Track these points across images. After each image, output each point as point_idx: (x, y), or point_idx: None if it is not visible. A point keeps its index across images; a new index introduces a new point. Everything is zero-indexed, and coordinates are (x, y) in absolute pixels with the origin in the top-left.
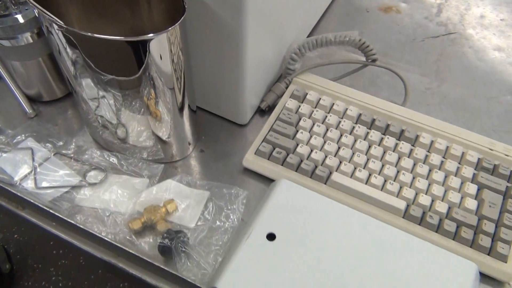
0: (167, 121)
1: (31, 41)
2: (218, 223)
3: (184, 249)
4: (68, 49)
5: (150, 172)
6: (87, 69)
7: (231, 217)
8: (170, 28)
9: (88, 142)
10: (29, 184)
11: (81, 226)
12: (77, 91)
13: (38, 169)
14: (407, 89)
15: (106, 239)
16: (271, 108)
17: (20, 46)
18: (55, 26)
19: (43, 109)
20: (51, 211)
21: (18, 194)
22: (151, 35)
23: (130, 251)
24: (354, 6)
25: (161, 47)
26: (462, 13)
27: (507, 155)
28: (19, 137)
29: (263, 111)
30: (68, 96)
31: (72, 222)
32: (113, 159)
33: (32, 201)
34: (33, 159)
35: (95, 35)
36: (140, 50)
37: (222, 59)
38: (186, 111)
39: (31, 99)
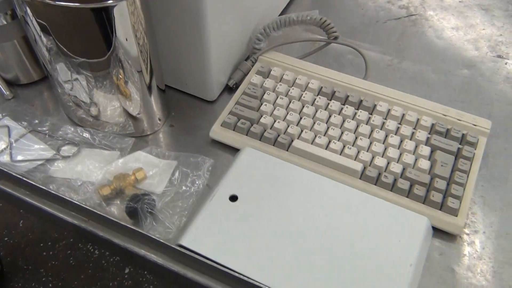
0: (136, 99)
1: (4, 22)
2: (184, 188)
3: (150, 210)
4: (41, 33)
5: (121, 145)
6: (59, 53)
7: (197, 182)
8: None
9: (63, 121)
10: (4, 158)
11: (54, 192)
12: (52, 75)
13: (14, 145)
14: (367, 64)
15: (77, 203)
16: (238, 85)
17: None
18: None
19: (20, 91)
20: (24, 179)
21: None
22: (110, 1)
23: (99, 213)
24: None
25: (123, 20)
26: None
27: (460, 120)
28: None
29: (231, 89)
30: (44, 79)
31: (45, 188)
32: (86, 134)
33: (6, 170)
34: (9, 136)
35: (59, 2)
36: (104, 21)
37: (185, 38)
38: (154, 90)
39: (8, 82)
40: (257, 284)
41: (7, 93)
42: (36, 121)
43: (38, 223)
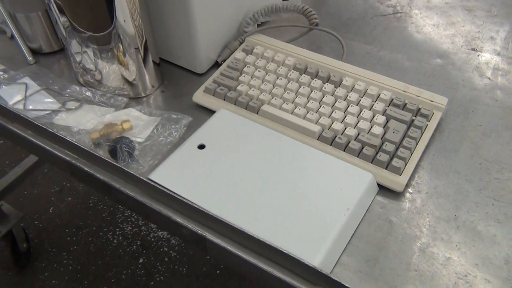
0: (133, 69)
1: None
2: (161, 138)
3: (127, 150)
4: (58, 11)
5: (116, 102)
6: (72, 28)
7: (173, 134)
8: None
9: (73, 82)
10: (19, 107)
11: (54, 132)
12: (66, 46)
13: (28, 98)
14: (344, 49)
15: (70, 140)
16: (224, 61)
17: None
18: None
19: (41, 59)
20: (30, 119)
21: (10, 109)
22: None
23: (87, 149)
24: None
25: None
26: None
27: (418, 96)
28: (17, 76)
29: (220, 64)
30: (62, 50)
31: (46, 128)
32: (88, 93)
33: (18, 113)
34: (26, 91)
35: None
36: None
37: (175, 18)
38: (149, 62)
39: (33, 51)
40: (214, 215)
41: (30, 58)
42: (50, 81)
43: (66, 211)
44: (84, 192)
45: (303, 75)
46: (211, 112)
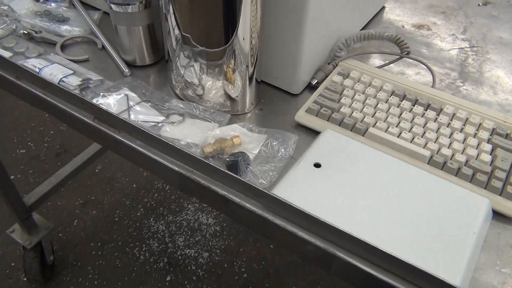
0: (238, 86)
1: (137, 10)
2: (273, 154)
3: (247, 165)
4: (175, 24)
5: (219, 118)
6: (184, 42)
7: (284, 152)
8: None
9: (172, 96)
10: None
11: (165, 140)
12: (172, 59)
13: (131, 109)
14: (434, 78)
15: (187, 152)
16: (319, 84)
17: (129, 12)
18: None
19: (135, 71)
20: (141, 128)
21: (118, 116)
22: None
23: (205, 161)
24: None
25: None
26: (484, 33)
27: None
28: (117, 86)
29: (313, 88)
30: (154, 64)
31: (160, 137)
32: (190, 107)
33: (127, 121)
34: (127, 101)
35: None
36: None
37: (285, 39)
38: (253, 80)
39: (126, 63)
40: (348, 232)
41: (126, 70)
42: (149, 94)
43: (91, 225)
44: (109, 205)
45: (404, 101)
46: (312, 131)
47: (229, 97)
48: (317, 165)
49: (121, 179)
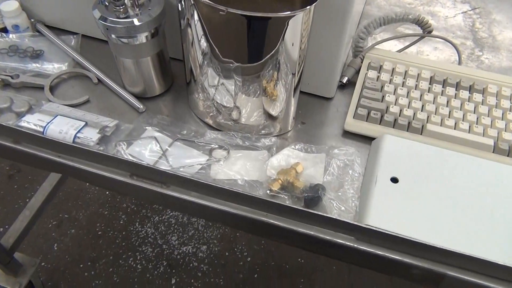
0: (281, 100)
1: (144, 41)
2: (343, 176)
3: (324, 195)
4: (202, 38)
5: (266, 144)
6: (214, 58)
7: (352, 172)
8: (307, 8)
9: (201, 126)
10: (164, 167)
11: (232, 189)
12: (197, 81)
13: (166, 153)
14: (460, 53)
15: (259, 197)
16: (349, 81)
17: (135, 45)
18: (198, 12)
19: (146, 103)
20: (195, 179)
21: (164, 170)
22: (288, 12)
23: (281, 202)
24: None
25: (295, 28)
26: None
27: None
28: (139, 128)
29: (343, 86)
30: (163, 94)
31: (217, 185)
32: (230, 137)
33: (174, 173)
34: (159, 146)
35: (233, 10)
36: (275, 29)
37: (327, 41)
38: (297, 90)
39: (135, 97)
40: (453, 251)
41: (141, 106)
42: (177, 129)
43: (74, 245)
44: (87, 220)
45: (447, 87)
46: (364, 138)
47: (269, 116)
48: (394, 180)
49: (90, 189)
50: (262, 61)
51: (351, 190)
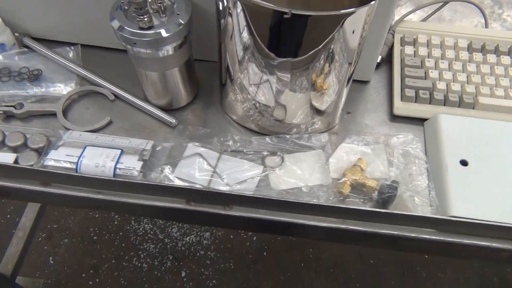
0: (331, 93)
1: (172, 52)
2: (409, 165)
3: (405, 193)
4: (246, 33)
5: (318, 143)
6: (258, 56)
7: (415, 158)
8: (372, 2)
9: (243, 132)
10: (219, 185)
11: (295, 200)
12: (234, 80)
13: (217, 170)
14: (486, 15)
15: (326, 204)
16: (383, 60)
17: (161, 57)
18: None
19: (176, 116)
20: (260, 196)
21: (224, 192)
22: (363, 6)
23: (360, 208)
24: None
25: (357, 22)
26: None
27: None
28: (179, 147)
29: (377, 65)
30: (187, 105)
31: (284, 199)
32: (280, 140)
33: (238, 193)
34: (207, 162)
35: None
36: (334, 23)
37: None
38: (350, 80)
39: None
40: None
41: (173, 120)
42: (216, 139)
43: (70, 255)
44: (78, 226)
45: (487, 54)
46: (413, 120)
47: (317, 111)
48: (464, 163)
49: None
50: (313, 52)
51: (423, 180)
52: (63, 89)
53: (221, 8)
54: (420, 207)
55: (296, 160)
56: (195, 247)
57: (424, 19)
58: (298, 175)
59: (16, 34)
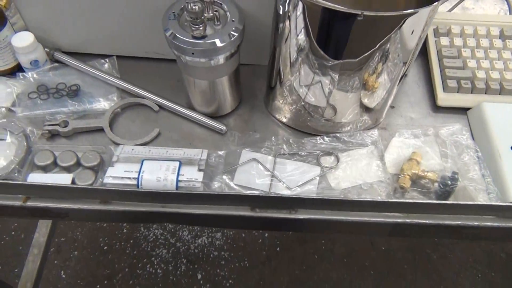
0: (381, 91)
1: (223, 61)
2: (460, 155)
3: (465, 183)
4: (303, 35)
5: (369, 139)
6: (310, 55)
7: (467, 148)
8: (436, 3)
9: (293, 134)
10: (280, 189)
11: (362, 199)
12: (283, 83)
13: (276, 173)
14: (509, 2)
15: (392, 200)
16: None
17: (212, 66)
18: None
19: (223, 122)
20: (323, 197)
21: (289, 196)
22: (432, 5)
23: (426, 201)
24: None
25: (418, 22)
26: None
27: None
28: (235, 154)
29: None
30: (235, 109)
31: (351, 198)
32: (331, 140)
33: (303, 197)
34: (264, 167)
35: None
36: (394, 26)
37: None
38: (403, 79)
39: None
40: None
41: (223, 127)
42: (269, 144)
43: (82, 267)
44: (87, 238)
45: None
46: (455, 110)
47: (366, 108)
48: None
49: None
50: (370, 53)
51: (478, 169)
52: (104, 103)
53: (281, 12)
54: (481, 195)
55: (351, 158)
56: (208, 249)
57: (450, 10)
58: (355, 173)
59: (47, 49)
